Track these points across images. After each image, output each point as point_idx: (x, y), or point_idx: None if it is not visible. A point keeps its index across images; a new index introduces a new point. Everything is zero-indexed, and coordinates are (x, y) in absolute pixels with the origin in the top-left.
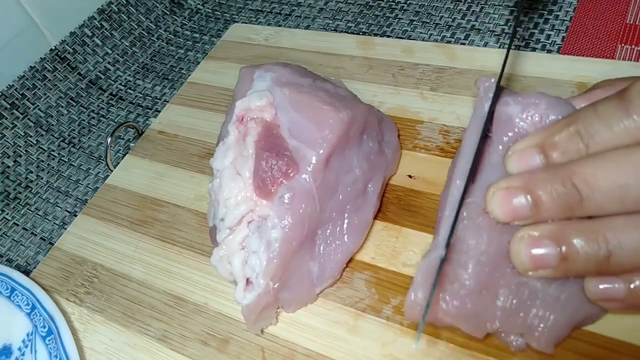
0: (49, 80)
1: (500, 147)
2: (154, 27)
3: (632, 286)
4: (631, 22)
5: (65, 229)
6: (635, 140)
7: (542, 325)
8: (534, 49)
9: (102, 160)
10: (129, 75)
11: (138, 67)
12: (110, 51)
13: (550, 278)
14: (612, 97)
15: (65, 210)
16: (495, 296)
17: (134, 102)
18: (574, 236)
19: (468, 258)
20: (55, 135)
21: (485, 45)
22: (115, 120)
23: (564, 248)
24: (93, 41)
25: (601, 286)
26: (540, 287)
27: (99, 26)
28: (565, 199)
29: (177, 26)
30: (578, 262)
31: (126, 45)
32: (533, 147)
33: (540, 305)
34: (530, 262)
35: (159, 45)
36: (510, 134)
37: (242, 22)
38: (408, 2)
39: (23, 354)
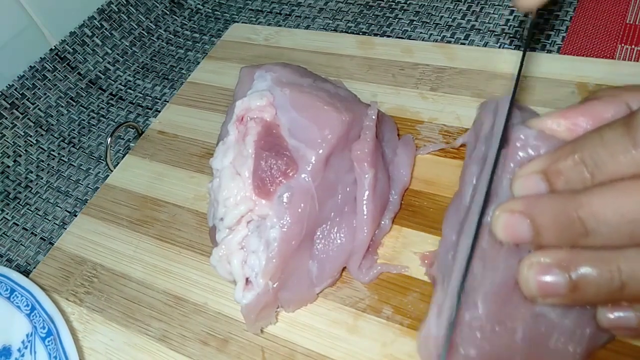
0: (49, 80)
1: (512, 164)
2: (154, 27)
3: None
4: (631, 22)
5: (66, 229)
6: None
7: (561, 357)
8: (534, 49)
9: (102, 160)
10: (129, 75)
11: (138, 67)
12: (110, 51)
13: (560, 305)
14: (617, 124)
15: (65, 210)
16: (513, 331)
17: (134, 102)
18: (585, 265)
19: (476, 294)
20: (55, 135)
21: (485, 45)
22: (115, 120)
23: (574, 277)
24: (93, 41)
25: (612, 315)
26: (557, 319)
27: (99, 26)
28: (569, 231)
29: (177, 26)
30: (589, 291)
31: (126, 45)
32: (537, 174)
33: (559, 338)
34: (539, 290)
35: (159, 45)
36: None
37: (242, 22)
38: (408, 2)
39: (22, 355)
